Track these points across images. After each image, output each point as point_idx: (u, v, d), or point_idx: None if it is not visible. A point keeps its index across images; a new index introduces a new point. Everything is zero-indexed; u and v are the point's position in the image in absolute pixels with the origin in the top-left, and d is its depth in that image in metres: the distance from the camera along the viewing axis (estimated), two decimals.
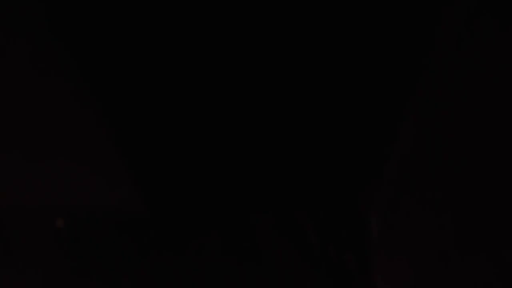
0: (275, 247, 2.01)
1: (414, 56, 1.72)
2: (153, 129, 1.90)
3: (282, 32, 1.71)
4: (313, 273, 1.97)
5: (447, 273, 1.63)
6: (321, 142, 1.92)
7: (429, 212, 1.67)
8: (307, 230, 2.03)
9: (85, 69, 1.75)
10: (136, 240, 2.05)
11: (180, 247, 2.03)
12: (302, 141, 1.91)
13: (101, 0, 1.68)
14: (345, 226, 2.00)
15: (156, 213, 2.08)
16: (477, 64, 1.59)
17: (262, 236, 2.04)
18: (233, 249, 2.02)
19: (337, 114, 1.86)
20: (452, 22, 1.60)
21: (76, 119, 1.86)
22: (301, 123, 1.88)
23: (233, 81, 1.82)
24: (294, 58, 1.76)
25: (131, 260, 2.02)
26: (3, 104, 1.81)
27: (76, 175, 1.99)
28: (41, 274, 2.02)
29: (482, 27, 1.55)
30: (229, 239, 2.04)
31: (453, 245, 1.59)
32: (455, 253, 1.60)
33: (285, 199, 2.04)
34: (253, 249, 2.02)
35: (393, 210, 1.86)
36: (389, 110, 1.83)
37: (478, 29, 1.56)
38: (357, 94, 1.79)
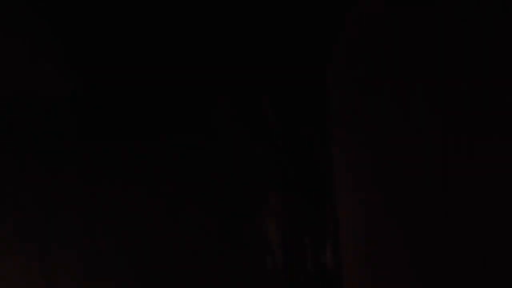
0: (230, 123, 1.96)
1: None
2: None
3: None
4: (270, 147, 1.93)
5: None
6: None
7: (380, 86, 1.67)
8: (263, 104, 1.99)
9: None
10: (74, 124, 1.98)
11: (125, 126, 1.97)
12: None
13: None
14: (304, 100, 1.97)
15: (93, 92, 1.99)
16: None
17: (217, 112, 1.98)
18: (184, 125, 1.95)
19: None
20: None
21: None
22: None
23: None
24: None
25: (72, 145, 1.96)
26: None
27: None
28: None
29: None
30: (179, 116, 1.99)
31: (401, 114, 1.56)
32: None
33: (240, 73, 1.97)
34: (207, 125, 1.97)
35: (350, 85, 1.84)
36: None
37: None
38: None
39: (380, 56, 1.69)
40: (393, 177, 1.59)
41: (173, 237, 1.86)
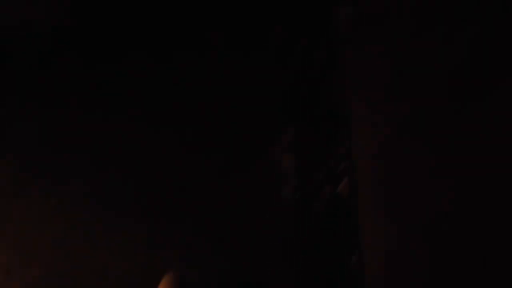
0: (237, 48, 1.90)
1: None
2: None
3: None
4: (280, 73, 1.87)
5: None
6: None
7: None
8: (272, 26, 1.89)
9: None
10: (69, 57, 1.95)
11: (123, 58, 1.93)
12: None
13: None
14: (313, 21, 1.88)
15: (87, 24, 1.95)
16: None
17: (222, 34, 1.92)
18: (192, 50, 1.91)
19: None
20: None
21: None
22: None
23: None
24: None
25: (73, 78, 1.94)
26: None
27: None
28: None
29: None
30: (185, 40, 1.94)
31: None
32: None
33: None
34: (213, 50, 1.92)
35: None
36: None
37: None
38: None
39: None
40: (415, 100, 1.53)
41: (185, 169, 1.85)
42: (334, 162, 1.80)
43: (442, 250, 1.46)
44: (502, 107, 1.45)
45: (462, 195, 1.45)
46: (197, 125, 1.88)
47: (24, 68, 1.98)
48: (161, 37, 1.96)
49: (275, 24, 1.95)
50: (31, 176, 1.87)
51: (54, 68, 1.96)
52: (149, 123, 1.89)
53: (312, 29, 1.91)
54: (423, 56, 1.60)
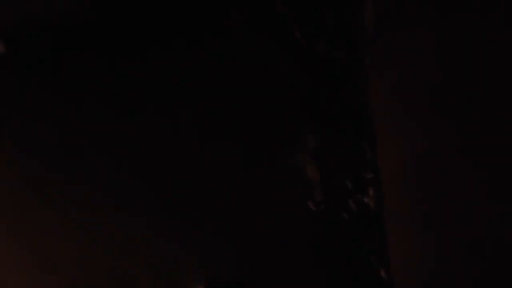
0: (255, 47, 1.84)
1: None
2: None
3: None
4: (300, 73, 1.80)
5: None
6: None
7: None
8: (290, 25, 1.83)
9: None
10: (88, 50, 1.88)
11: (148, 49, 1.87)
12: None
13: None
14: (334, 18, 1.82)
15: (105, 18, 1.91)
16: None
17: (239, 35, 1.87)
18: (208, 53, 1.84)
19: None
20: None
21: None
22: None
23: None
24: None
25: (91, 73, 1.87)
26: None
27: None
28: None
29: None
30: (200, 42, 1.87)
31: None
32: None
33: None
34: (231, 51, 1.86)
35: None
36: None
37: None
38: None
39: None
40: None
41: (208, 177, 1.81)
42: (360, 171, 1.77)
43: (487, 269, 1.43)
44: None
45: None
46: (218, 132, 1.83)
47: (37, 67, 1.92)
48: (180, 36, 1.90)
49: (294, 24, 1.89)
50: (50, 188, 1.83)
51: (67, 67, 1.90)
52: (170, 128, 1.84)
53: (333, 29, 1.86)
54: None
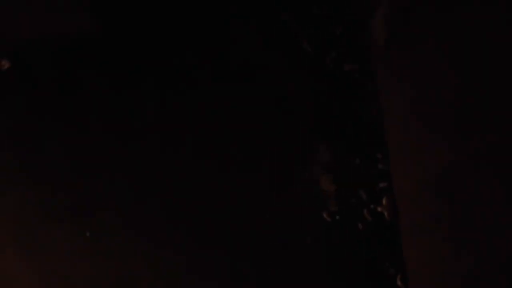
0: (266, 60, 1.86)
1: None
2: None
3: None
4: (312, 86, 1.83)
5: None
6: None
7: None
8: (299, 37, 1.87)
9: None
10: (94, 68, 1.89)
11: (156, 68, 1.87)
12: None
13: None
14: (343, 31, 1.86)
15: (112, 37, 1.90)
16: None
17: (249, 49, 1.88)
18: (219, 68, 1.85)
19: None
20: None
21: None
22: None
23: None
24: None
25: (96, 92, 1.87)
26: None
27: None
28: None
29: None
30: (212, 57, 1.88)
31: None
32: None
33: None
34: (242, 67, 1.88)
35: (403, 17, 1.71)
36: None
37: None
38: None
39: None
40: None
41: (222, 192, 1.81)
42: (373, 181, 1.79)
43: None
44: None
45: None
46: (232, 146, 1.83)
47: (48, 85, 1.89)
48: (188, 51, 1.89)
49: (304, 38, 1.89)
50: (63, 209, 1.80)
51: (72, 84, 1.88)
52: (183, 147, 1.83)
53: (343, 42, 1.87)
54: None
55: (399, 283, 1.72)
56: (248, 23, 1.89)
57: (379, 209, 1.76)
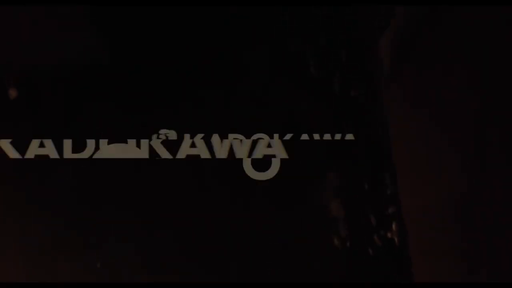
0: (272, 85, 1.84)
1: None
2: None
3: None
4: (317, 109, 1.82)
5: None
6: None
7: None
8: (305, 62, 1.85)
9: None
10: (103, 96, 1.85)
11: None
12: None
13: None
14: (348, 55, 1.84)
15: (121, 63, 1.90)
16: None
17: (256, 75, 1.87)
18: (225, 96, 1.83)
19: None
20: None
21: None
22: None
23: None
24: None
25: (104, 119, 1.84)
26: None
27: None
28: None
29: None
30: (221, 85, 1.87)
31: None
32: None
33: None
34: (248, 91, 1.87)
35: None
36: None
37: None
38: None
39: None
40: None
41: (229, 217, 1.81)
42: (382, 205, 1.80)
43: None
44: None
45: None
46: (240, 172, 1.83)
47: (48, 112, 1.87)
48: (194, 78, 1.89)
49: (309, 61, 1.90)
50: (72, 238, 1.79)
51: (80, 114, 1.86)
52: (191, 175, 1.82)
53: (350, 66, 1.87)
54: None
55: None
56: (256, 50, 1.89)
57: (388, 234, 1.77)
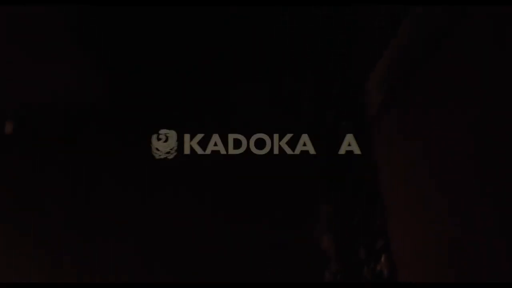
0: (267, 117, 1.92)
1: None
2: None
3: None
4: (312, 140, 1.86)
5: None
6: None
7: None
8: (300, 97, 1.94)
9: None
10: (98, 133, 1.97)
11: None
12: None
13: None
14: (340, 90, 1.89)
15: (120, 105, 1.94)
16: None
17: (252, 107, 1.94)
18: (226, 126, 1.90)
19: None
20: None
21: None
22: None
23: None
24: None
25: (101, 154, 1.95)
26: None
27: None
28: None
29: None
30: (218, 117, 1.95)
31: None
32: None
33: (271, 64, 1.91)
34: (244, 122, 1.92)
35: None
36: None
37: None
38: None
39: None
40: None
41: (220, 247, 1.83)
42: (371, 239, 1.79)
43: None
44: None
45: None
46: (236, 204, 1.88)
47: (52, 148, 1.92)
48: (192, 115, 1.93)
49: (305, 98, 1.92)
50: (72, 271, 1.83)
51: (77, 149, 1.91)
52: (191, 209, 1.87)
53: (341, 102, 1.89)
54: None
55: None
56: (253, 85, 1.93)
57: (378, 267, 1.76)
